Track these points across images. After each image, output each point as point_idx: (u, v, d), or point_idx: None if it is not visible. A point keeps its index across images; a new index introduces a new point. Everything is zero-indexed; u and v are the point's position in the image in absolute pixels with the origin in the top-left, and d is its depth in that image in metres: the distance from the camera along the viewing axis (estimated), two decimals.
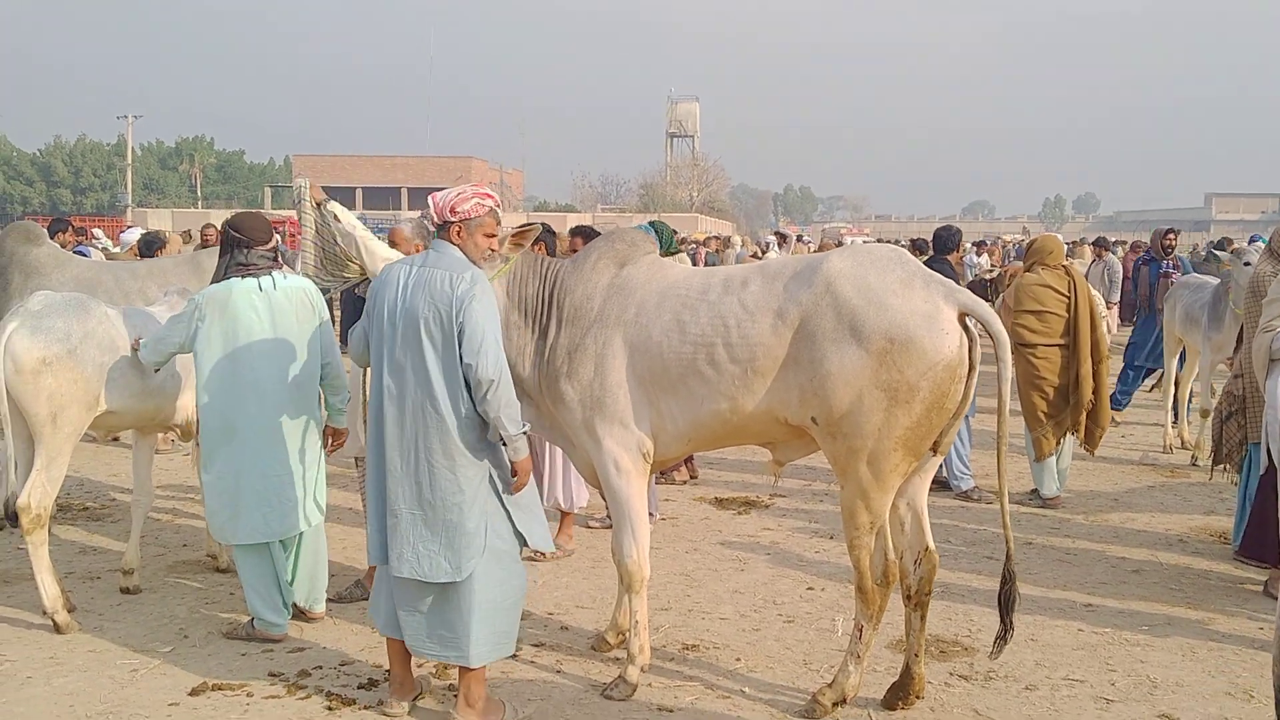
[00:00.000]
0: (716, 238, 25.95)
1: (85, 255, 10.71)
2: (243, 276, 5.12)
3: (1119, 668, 5.00)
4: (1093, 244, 15.21)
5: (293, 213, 6.20)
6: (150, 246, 11.79)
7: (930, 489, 8.11)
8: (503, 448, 4.20)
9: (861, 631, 4.43)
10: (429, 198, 4.34)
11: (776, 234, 26.06)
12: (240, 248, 5.17)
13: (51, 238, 11.80)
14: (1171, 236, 12.36)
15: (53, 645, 5.15)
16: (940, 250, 8.92)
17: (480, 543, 4.17)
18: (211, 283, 5.22)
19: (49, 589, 5.28)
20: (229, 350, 5.04)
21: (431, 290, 4.09)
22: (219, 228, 5.48)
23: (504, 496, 4.24)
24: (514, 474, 4.19)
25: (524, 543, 4.34)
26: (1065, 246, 10.62)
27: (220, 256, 5.28)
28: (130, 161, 71.00)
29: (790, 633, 5.46)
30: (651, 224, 7.74)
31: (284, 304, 5.15)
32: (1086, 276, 14.10)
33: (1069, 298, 7.96)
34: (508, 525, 4.27)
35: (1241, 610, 5.73)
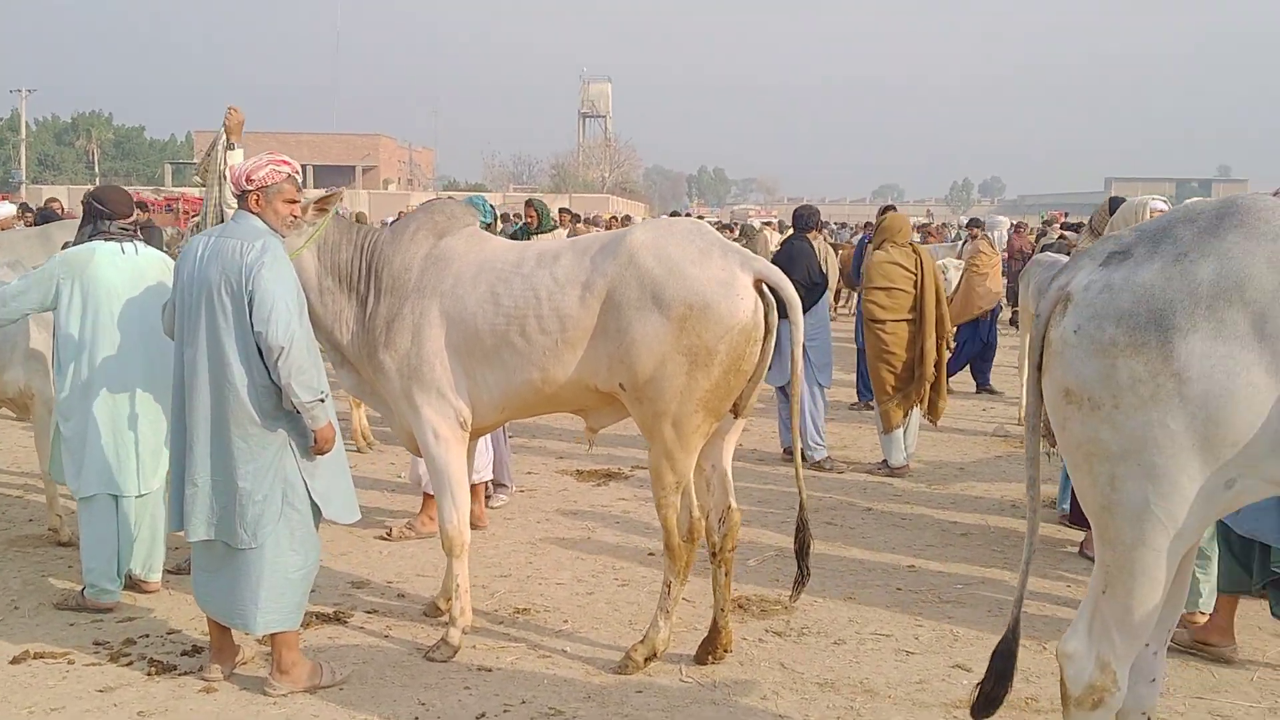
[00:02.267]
0: (616, 218, 26.05)
1: None
2: (105, 241, 5.21)
3: (926, 623, 5.25)
4: (969, 223, 15.71)
5: (190, 189, 6.35)
6: (45, 219, 11.73)
7: (784, 458, 8.53)
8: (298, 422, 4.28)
9: (670, 588, 4.62)
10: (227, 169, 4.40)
11: (688, 215, 26.23)
12: (102, 218, 5.28)
13: None
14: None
15: None
16: (800, 228, 9.15)
17: (275, 511, 4.25)
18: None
19: None
20: (90, 308, 5.09)
21: (223, 259, 4.16)
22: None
23: (302, 466, 4.31)
24: (315, 442, 4.27)
25: (319, 514, 4.42)
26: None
27: (81, 227, 5.37)
28: (24, 137, 68.72)
29: (622, 595, 5.62)
30: (472, 199, 7.81)
31: (145, 268, 5.24)
32: (959, 255, 14.63)
33: (916, 274, 8.25)
34: (305, 496, 4.34)
35: (1055, 570, 6.03)
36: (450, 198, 5.60)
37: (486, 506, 6.96)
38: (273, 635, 4.36)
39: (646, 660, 4.63)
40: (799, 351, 4.54)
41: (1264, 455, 2.82)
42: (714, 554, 4.75)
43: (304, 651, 4.53)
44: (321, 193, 4.87)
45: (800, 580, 4.65)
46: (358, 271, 4.85)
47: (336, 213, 4.99)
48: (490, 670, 4.67)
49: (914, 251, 8.34)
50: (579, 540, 6.57)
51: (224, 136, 6.17)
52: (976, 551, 6.42)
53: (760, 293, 4.42)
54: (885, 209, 10.63)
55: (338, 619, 5.21)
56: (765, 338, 4.44)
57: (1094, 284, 3.03)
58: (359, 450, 8.81)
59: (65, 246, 5.67)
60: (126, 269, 5.17)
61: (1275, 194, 4.36)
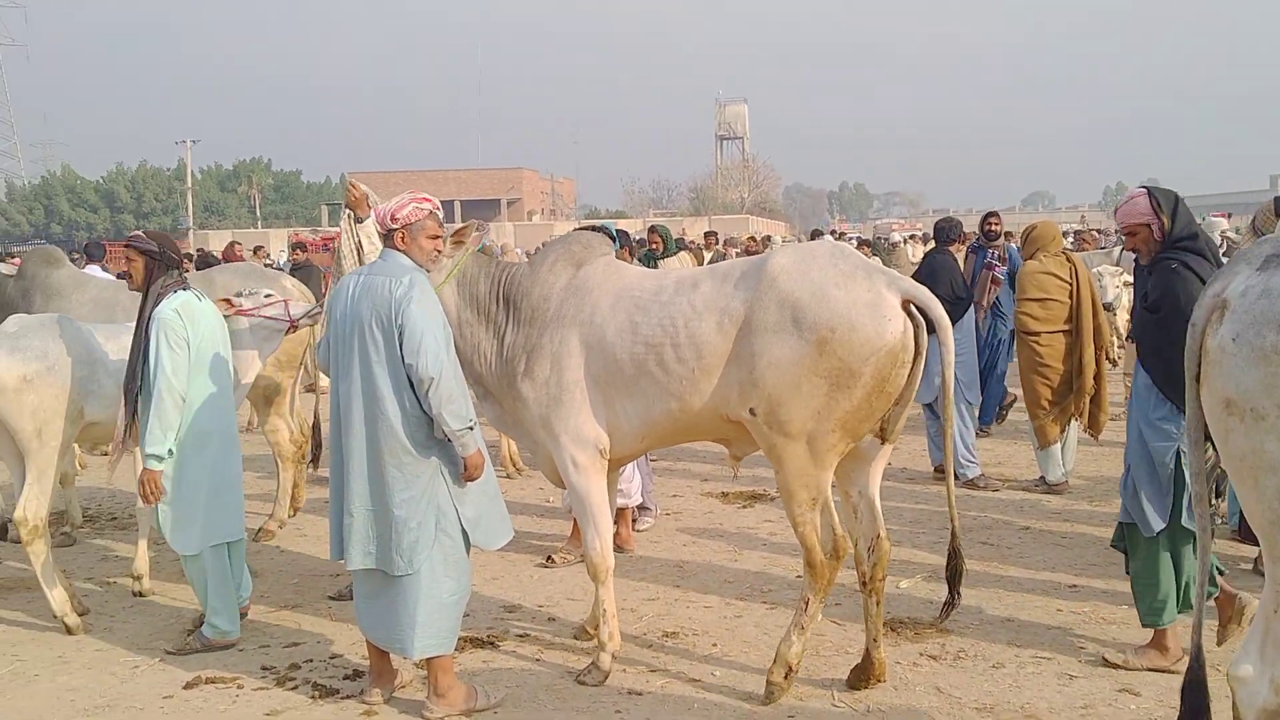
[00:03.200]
0: (755, 239, 25.93)
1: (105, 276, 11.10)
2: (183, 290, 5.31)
3: (1089, 645, 5.05)
4: (1117, 230, 15.12)
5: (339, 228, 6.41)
6: (206, 263, 12.55)
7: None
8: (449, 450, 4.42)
9: (808, 604, 4.56)
10: (372, 210, 4.56)
11: (832, 233, 25.84)
12: (173, 267, 5.33)
13: (92, 261, 12.43)
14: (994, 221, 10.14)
15: (63, 646, 5.45)
16: (941, 241, 8.98)
17: (429, 537, 4.39)
18: (154, 299, 5.26)
19: (55, 594, 5.57)
20: (196, 362, 5.24)
21: (374, 295, 4.33)
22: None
23: (454, 493, 4.44)
24: (465, 469, 4.38)
25: (469, 542, 4.54)
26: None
27: (157, 277, 5.29)
28: (190, 185, 72.77)
29: (771, 619, 5.58)
30: (602, 227, 7.85)
31: (215, 315, 5.46)
32: (1116, 261, 14.08)
33: (1071, 284, 7.98)
34: (456, 522, 4.47)
35: (1231, 586, 5.72)
36: (584, 227, 5.62)
37: (633, 530, 7.01)
38: (429, 659, 4.47)
39: (785, 677, 4.54)
40: (950, 374, 4.39)
41: None
42: (864, 583, 4.67)
43: (459, 675, 4.63)
44: (458, 226, 4.99)
45: (950, 603, 4.56)
46: (496, 303, 4.94)
47: (482, 248, 5.10)
48: (640, 694, 4.69)
49: (1068, 260, 8.07)
50: (725, 563, 6.55)
51: (349, 211, 5.86)
52: None
53: (909, 313, 4.32)
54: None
55: (490, 643, 5.30)
56: (915, 360, 4.34)
57: (1252, 289, 2.89)
58: (508, 476, 8.98)
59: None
60: (214, 317, 5.39)
61: None
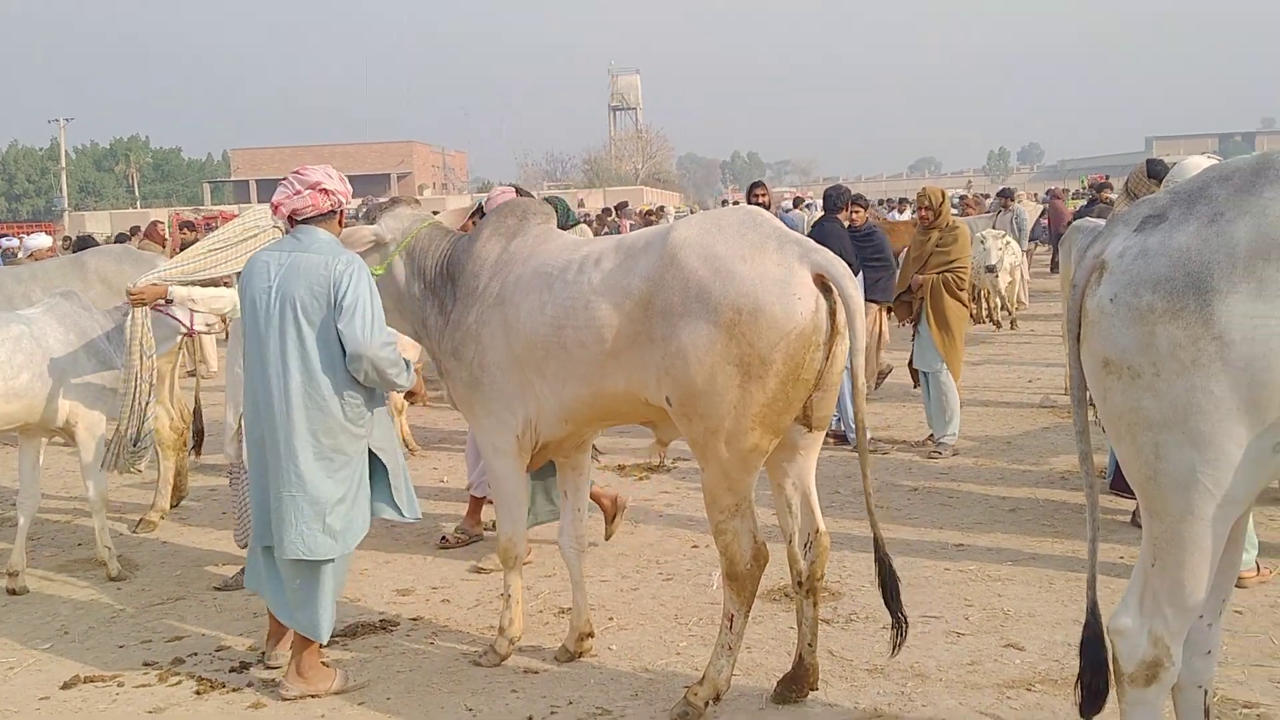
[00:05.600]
0: (653, 210, 25.96)
1: None
2: None
3: (976, 602, 5.17)
4: (997, 195, 15.53)
5: (229, 207, 6.31)
6: (83, 246, 11.96)
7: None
8: (377, 424, 4.49)
9: (732, 621, 4.12)
10: (288, 179, 4.45)
11: (797, 200, 24.50)
12: None
13: None
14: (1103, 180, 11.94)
15: None
16: (830, 209, 9.05)
17: (363, 517, 4.45)
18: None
19: None
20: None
21: (309, 273, 4.28)
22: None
23: (377, 474, 4.52)
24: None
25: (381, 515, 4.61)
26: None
27: None
28: (64, 165, 69.85)
29: (667, 590, 5.58)
30: (548, 199, 7.79)
31: None
32: (994, 226, 14.45)
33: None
34: (367, 508, 4.50)
35: (1107, 540, 5.90)
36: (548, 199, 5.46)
37: None
38: (301, 638, 4.44)
39: (707, 704, 4.13)
40: (860, 360, 3.94)
41: None
42: (799, 583, 4.26)
43: (346, 663, 4.56)
44: (387, 199, 4.90)
45: (898, 626, 4.03)
46: (441, 277, 4.80)
47: (430, 221, 4.99)
48: (537, 672, 4.65)
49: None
50: (622, 536, 6.52)
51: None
52: (1026, 526, 6.32)
53: (824, 290, 3.89)
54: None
55: (384, 628, 5.20)
56: (833, 341, 3.94)
57: (1129, 250, 2.94)
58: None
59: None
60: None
61: None
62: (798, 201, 23.30)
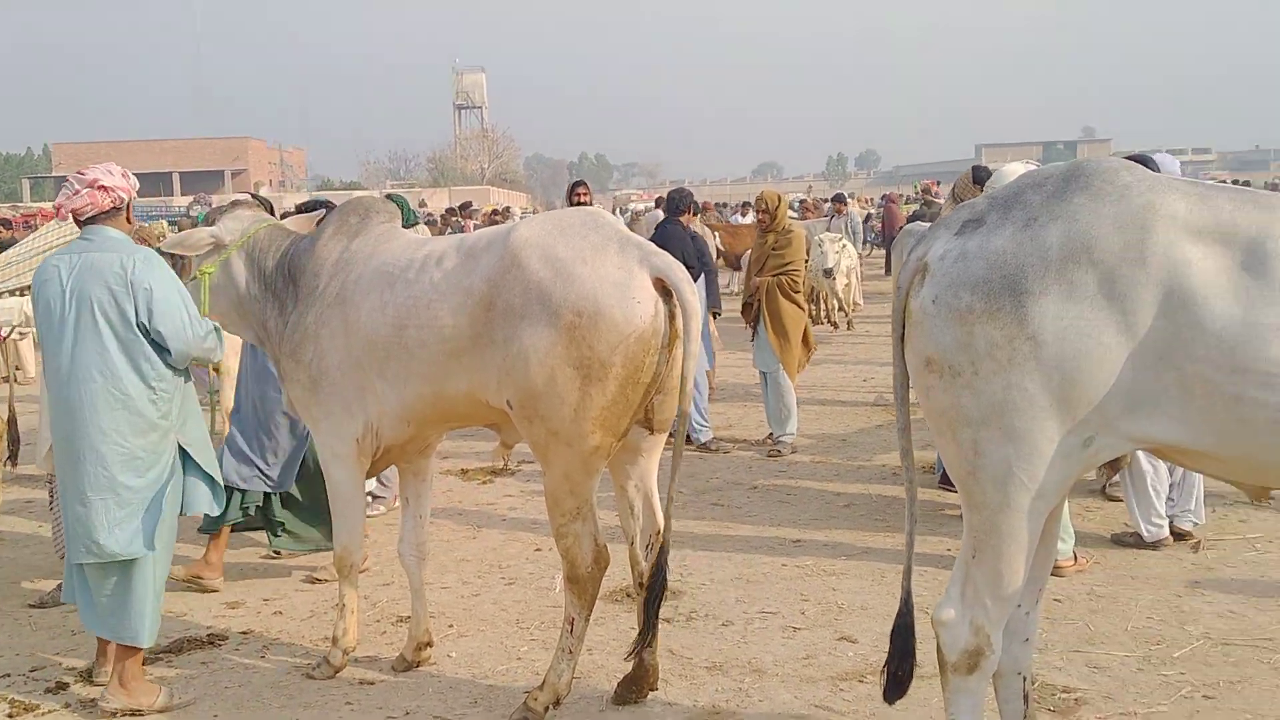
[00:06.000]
0: (499, 210, 25.79)
1: None
2: None
3: (812, 597, 5.28)
4: (831, 200, 15.98)
5: (49, 204, 6.07)
6: None
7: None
8: (188, 419, 4.41)
9: (573, 625, 4.09)
10: (69, 180, 4.31)
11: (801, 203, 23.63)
12: None
13: None
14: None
15: None
16: (672, 211, 9.12)
17: (173, 515, 4.32)
18: None
19: None
20: None
21: (104, 273, 4.18)
22: None
23: (188, 466, 4.41)
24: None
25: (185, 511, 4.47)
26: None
27: None
28: None
29: (509, 594, 5.53)
30: (390, 196, 7.64)
31: None
32: (828, 229, 14.84)
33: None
34: (178, 505, 4.38)
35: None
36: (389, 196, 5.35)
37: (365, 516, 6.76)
38: (125, 647, 4.28)
39: (548, 709, 4.09)
40: (692, 365, 3.94)
41: (1118, 413, 2.86)
42: (641, 584, 4.24)
43: (163, 680, 4.41)
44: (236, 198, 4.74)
45: (645, 634, 4.06)
46: (282, 278, 4.65)
47: (273, 219, 4.91)
48: (373, 683, 4.54)
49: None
50: (464, 541, 6.44)
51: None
52: (860, 521, 6.49)
53: (664, 293, 3.91)
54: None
55: (211, 642, 5.00)
56: (672, 344, 3.94)
57: (950, 253, 3.03)
58: None
59: None
60: None
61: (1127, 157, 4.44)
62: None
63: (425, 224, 12.31)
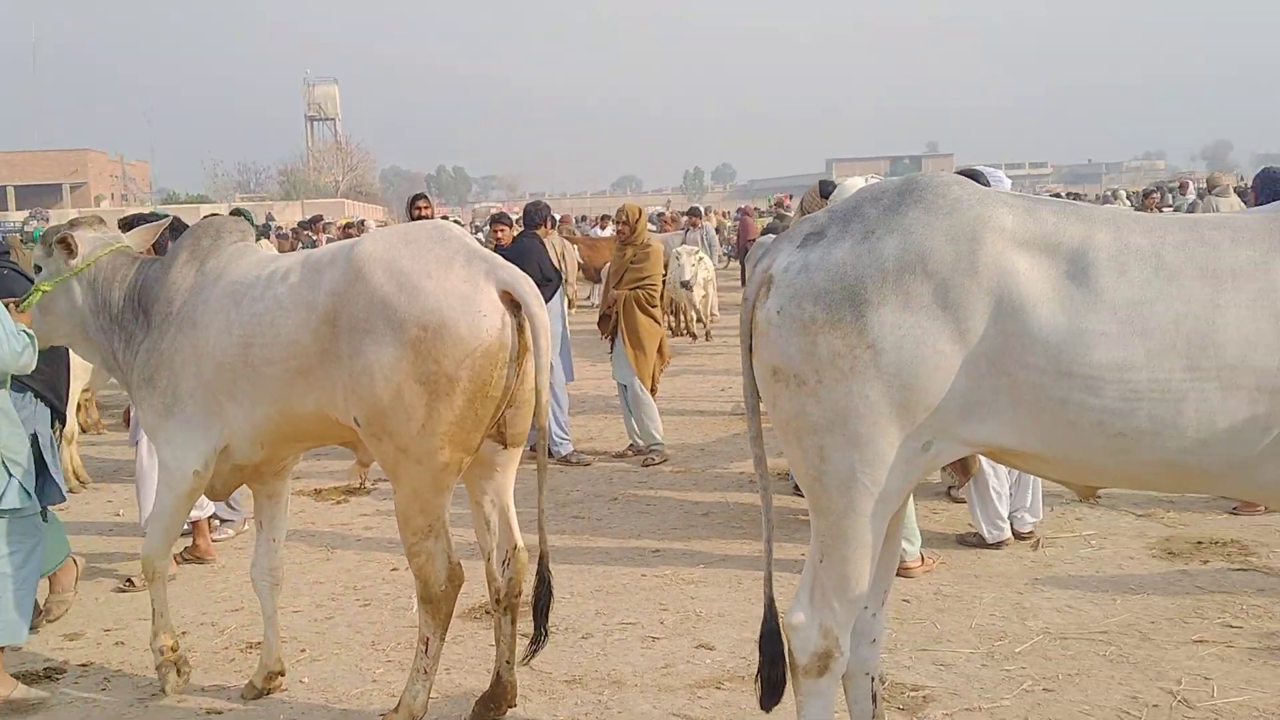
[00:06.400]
0: (354, 224, 25.23)
1: None
2: None
3: (671, 606, 5.32)
4: (687, 213, 16.23)
5: None
6: None
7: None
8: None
9: (428, 645, 4.01)
10: None
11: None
12: None
13: None
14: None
15: None
16: (530, 224, 9.11)
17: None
18: None
19: None
20: None
21: None
22: None
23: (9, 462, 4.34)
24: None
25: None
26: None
27: None
28: None
29: (365, 616, 5.42)
30: (235, 211, 7.44)
31: None
32: (684, 242, 15.03)
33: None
34: (17, 489, 4.30)
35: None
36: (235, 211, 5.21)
37: (212, 539, 6.55)
38: None
39: None
40: (545, 377, 3.94)
41: (955, 417, 2.97)
42: (497, 600, 4.25)
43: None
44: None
45: (536, 640, 4.12)
46: (131, 308, 4.50)
47: (114, 245, 4.70)
48: (221, 712, 4.39)
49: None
50: (317, 563, 6.29)
51: None
52: (718, 529, 6.58)
53: (512, 307, 3.89)
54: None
55: (49, 676, 4.77)
56: (522, 358, 3.92)
57: (793, 265, 3.10)
58: (71, 490, 8.12)
59: None
60: None
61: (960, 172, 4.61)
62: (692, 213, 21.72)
63: (277, 238, 11.99)
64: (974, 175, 5.54)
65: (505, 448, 4.20)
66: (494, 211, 9.29)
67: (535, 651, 4.13)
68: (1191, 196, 15.77)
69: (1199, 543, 5.96)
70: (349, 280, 3.91)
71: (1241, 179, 22.00)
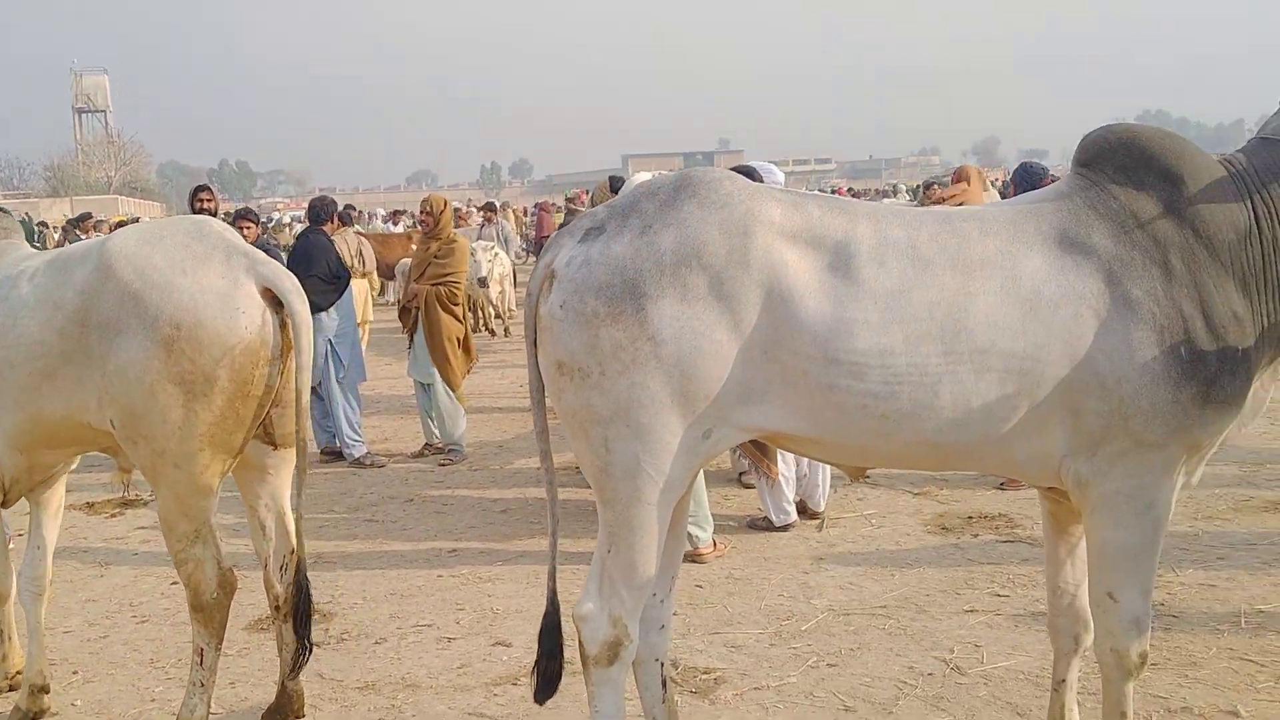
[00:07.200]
0: (126, 220, 23.94)
1: None
2: None
3: (467, 605, 5.28)
4: (481, 208, 16.12)
5: None
6: None
7: (324, 459, 8.26)
8: None
9: (203, 656, 3.87)
10: None
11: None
12: None
13: None
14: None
15: None
16: (315, 220, 8.86)
17: None
18: None
19: None
20: None
21: None
22: None
23: None
24: None
25: None
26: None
27: None
28: None
29: (142, 633, 5.16)
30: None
31: None
32: (479, 238, 14.94)
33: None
34: None
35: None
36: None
37: None
38: None
39: None
40: (305, 378, 3.82)
41: (732, 405, 3.05)
42: (276, 607, 4.11)
43: None
44: None
45: (300, 654, 4.00)
46: None
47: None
48: None
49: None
50: (90, 580, 5.95)
51: None
52: (515, 526, 6.56)
53: (274, 304, 3.79)
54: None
55: None
56: (286, 356, 3.81)
57: (574, 260, 3.12)
58: None
59: None
60: None
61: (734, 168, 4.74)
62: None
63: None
64: (748, 171, 5.74)
65: (275, 449, 4.09)
66: (239, 208, 8.89)
67: (300, 664, 4.02)
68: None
69: (970, 518, 6.34)
70: (100, 278, 3.75)
71: (1007, 172, 23.41)
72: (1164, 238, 3.01)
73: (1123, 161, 3.12)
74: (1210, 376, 2.93)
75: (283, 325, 3.79)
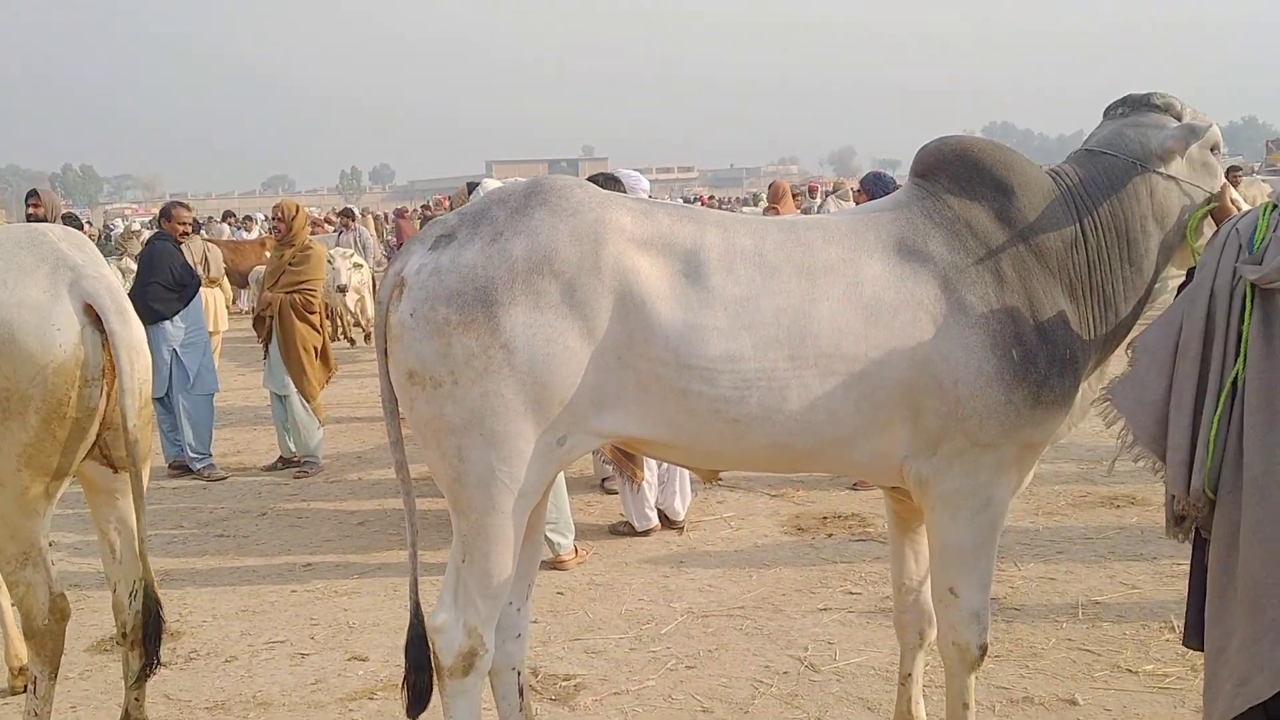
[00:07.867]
0: None
1: None
2: None
3: (322, 620, 5.17)
4: (339, 214, 15.83)
5: None
6: None
7: (171, 473, 7.98)
8: None
9: (37, 685, 3.72)
10: None
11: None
12: None
13: None
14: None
15: None
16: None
17: None
18: None
19: None
20: None
21: None
22: None
23: None
24: None
25: None
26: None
27: None
28: None
29: None
30: None
31: None
32: (337, 244, 14.66)
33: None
34: None
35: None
36: None
37: None
38: None
39: None
40: (130, 402, 3.62)
41: (586, 411, 3.07)
42: (124, 634, 3.93)
43: None
44: None
45: (146, 669, 3.90)
46: None
47: None
48: None
49: None
50: None
51: None
52: (374, 538, 6.45)
53: (98, 321, 3.62)
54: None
55: None
56: (110, 377, 3.64)
57: (425, 267, 3.09)
58: None
59: None
60: None
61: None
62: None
63: None
64: (613, 179, 5.77)
65: (115, 472, 3.90)
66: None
67: (144, 676, 3.91)
68: (820, 200, 17.10)
69: (824, 518, 6.49)
70: None
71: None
72: (996, 246, 3.15)
73: (957, 172, 3.25)
74: (1040, 378, 3.08)
75: (105, 344, 3.63)
